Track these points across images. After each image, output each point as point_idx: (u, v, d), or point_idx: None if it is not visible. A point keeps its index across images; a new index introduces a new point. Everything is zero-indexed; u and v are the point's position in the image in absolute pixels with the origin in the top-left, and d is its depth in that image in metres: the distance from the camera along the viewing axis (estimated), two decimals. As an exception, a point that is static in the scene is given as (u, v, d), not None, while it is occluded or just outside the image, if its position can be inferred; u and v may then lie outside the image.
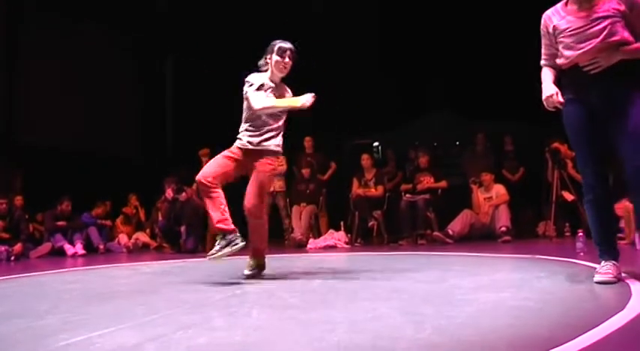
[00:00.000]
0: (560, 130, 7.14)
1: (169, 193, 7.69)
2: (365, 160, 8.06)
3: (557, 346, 1.72)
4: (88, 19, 9.96)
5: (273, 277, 3.95)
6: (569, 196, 6.81)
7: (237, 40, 9.47)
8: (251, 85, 3.90)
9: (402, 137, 10.17)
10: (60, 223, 8.04)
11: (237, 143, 3.95)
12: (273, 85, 3.98)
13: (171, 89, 11.88)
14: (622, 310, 2.23)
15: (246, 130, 3.95)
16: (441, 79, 9.72)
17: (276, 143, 3.97)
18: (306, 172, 8.09)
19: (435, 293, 2.96)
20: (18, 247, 7.43)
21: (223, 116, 9.68)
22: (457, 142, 10.50)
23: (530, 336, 1.93)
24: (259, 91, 3.89)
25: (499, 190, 7.42)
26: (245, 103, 3.95)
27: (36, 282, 4.61)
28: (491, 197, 7.44)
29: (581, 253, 4.54)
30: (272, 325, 2.35)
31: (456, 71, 9.48)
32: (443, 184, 7.70)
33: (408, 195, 7.68)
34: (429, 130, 10.28)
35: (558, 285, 3.08)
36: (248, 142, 3.91)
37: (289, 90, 4.14)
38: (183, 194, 7.65)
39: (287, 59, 3.95)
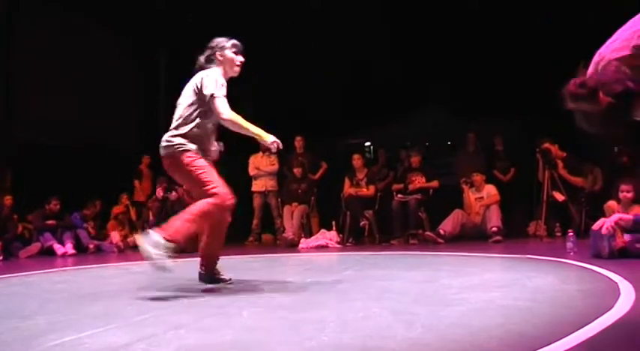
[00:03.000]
0: (551, 130, 7.16)
1: (159, 192, 7.65)
2: (356, 159, 8.05)
3: (548, 345, 1.73)
4: (83, 14, 9.86)
5: (265, 277, 3.94)
6: (559, 196, 6.84)
7: (233, 36, 9.44)
8: (222, 86, 3.37)
9: (393, 137, 10.19)
10: (49, 222, 7.97)
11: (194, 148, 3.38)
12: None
13: (165, 86, 11.80)
14: (611, 308, 2.25)
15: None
16: (432, 79, 9.74)
17: None
18: (297, 171, 8.08)
19: (425, 293, 2.96)
20: None
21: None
22: (449, 142, 10.53)
23: (520, 335, 1.93)
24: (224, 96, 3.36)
25: (490, 191, 7.44)
26: (193, 100, 3.40)
27: (25, 282, 4.58)
28: (483, 197, 7.45)
29: (572, 253, 4.57)
30: (263, 325, 2.35)
31: (448, 71, 9.50)
32: (434, 183, 7.72)
33: (399, 195, 7.69)
34: (421, 129, 10.30)
35: (549, 284, 3.10)
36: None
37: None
38: (174, 193, 7.61)
39: (242, 58, 3.55)
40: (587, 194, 6.98)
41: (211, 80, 3.34)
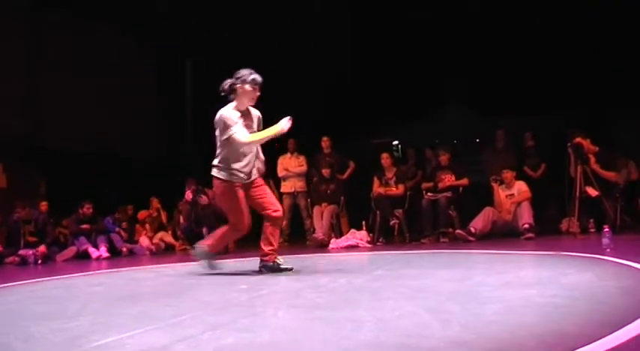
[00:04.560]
0: (582, 125, 7.06)
1: (189, 195, 7.73)
2: (385, 159, 8.02)
3: (589, 344, 1.70)
4: (108, 23, 10.08)
5: (298, 278, 3.96)
6: (593, 192, 6.68)
7: (253, 42, 9.53)
8: (235, 124, 4.07)
9: (421, 135, 10.13)
10: (84, 226, 8.16)
11: (236, 179, 4.18)
12: (240, 114, 4.16)
13: (191, 92, 11.96)
14: (654, 306, 2.19)
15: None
16: (460, 75, 9.65)
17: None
18: (326, 172, 8.09)
19: (460, 291, 2.94)
20: (42, 248, 7.60)
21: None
22: (477, 139, 10.42)
23: (560, 333, 1.91)
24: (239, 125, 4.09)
25: (521, 187, 7.33)
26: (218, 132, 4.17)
27: (64, 284, 4.70)
28: (513, 194, 7.35)
29: (608, 250, 4.47)
30: (299, 325, 2.36)
31: (475, 67, 9.41)
32: (464, 181, 7.64)
33: (429, 193, 7.63)
34: (449, 127, 10.22)
35: (586, 281, 3.04)
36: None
37: (256, 111, 4.34)
38: (204, 197, 7.68)
39: (258, 93, 4.17)
40: (622, 189, 6.84)
41: (228, 121, 4.05)
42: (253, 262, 4.48)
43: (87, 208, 8.24)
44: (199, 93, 11.66)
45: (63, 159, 9.04)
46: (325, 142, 8.55)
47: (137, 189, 9.28)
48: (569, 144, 6.91)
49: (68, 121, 9.37)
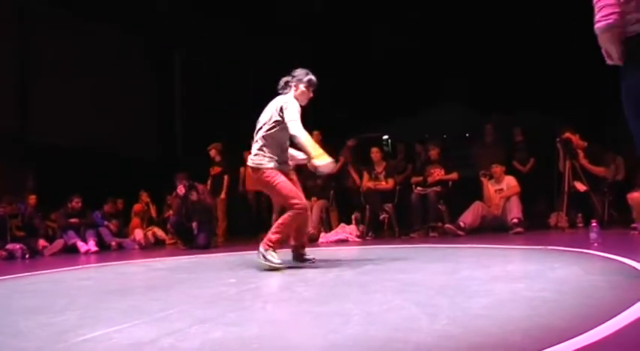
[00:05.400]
0: (571, 120, 7.08)
1: (181, 189, 7.70)
2: (375, 153, 8.03)
3: (575, 337, 1.71)
4: (98, 19, 10.01)
5: (286, 272, 3.96)
6: (581, 187, 6.75)
7: (252, 41, 9.51)
8: (298, 112, 4.10)
9: (411, 130, 10.15)
10: (72, 220, 8.11)
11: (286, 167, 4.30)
12: None
13: (180, 86, 11.90)
14: None
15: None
16: (449, 71, 9.66)
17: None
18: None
19: (448, 285, 2.95)
20: (42, 241, 7.69)
21: (230, 112, 9.75)
22: (466, 134, 10.45)
23: (547, 326, 1.92)
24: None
25: (510, 182, 7.38)
26: (275, 120, 4.13)
27: (52, 279, 4.66)
28: (502, 189, 7.39)
29: (595, 244, 4.50)
30: (287, 318, 2.36)
31: (465, 63, 9.42)
32: (453, 176, 7.68)
33: (419, 188, 7.66)
34: (439, 122, 10.24)
35: (574, 275, 3.06)
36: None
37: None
38: (194, 193, 7.65)
39: (312, 94, 4.33)
40: (610, 184, 6.89)
41: (292, 109, 4.06)
42: (242, 256, 4.47)
43: (76, 202, 8.19)
44: (195, 92, 11.61)
45: (53, 154, 8.98)
46: (315, 136, 8.51)
47: (126, 183, 9.23)
48: (557, 139, 6.96)
49: (60, 117, 9.32)
